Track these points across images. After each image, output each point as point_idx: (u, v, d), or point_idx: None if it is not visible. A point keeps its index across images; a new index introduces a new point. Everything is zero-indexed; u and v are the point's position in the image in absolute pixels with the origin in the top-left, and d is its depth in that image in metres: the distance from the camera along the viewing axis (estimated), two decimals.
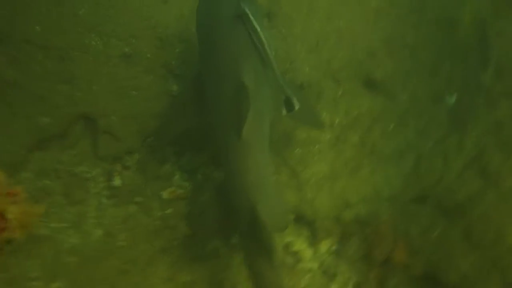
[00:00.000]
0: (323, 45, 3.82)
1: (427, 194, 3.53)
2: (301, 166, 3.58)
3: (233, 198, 2.67)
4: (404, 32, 3.96)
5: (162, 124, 3.39)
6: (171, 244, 3.29)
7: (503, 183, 3.22)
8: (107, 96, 3.40)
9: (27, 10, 3.29)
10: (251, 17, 2.63)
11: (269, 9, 3.83)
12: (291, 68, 3.73)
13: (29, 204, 2.37)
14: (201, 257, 3.28)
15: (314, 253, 3.50)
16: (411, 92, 3.85)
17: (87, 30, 3.38)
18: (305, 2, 3.89)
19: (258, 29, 2.62)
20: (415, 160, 3.68)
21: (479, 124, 3.59)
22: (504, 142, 3.40)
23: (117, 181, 3.38)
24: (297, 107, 2.68)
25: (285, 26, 3.81)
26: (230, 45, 2.73)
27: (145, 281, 3.14)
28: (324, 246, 3.51)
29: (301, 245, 3.50)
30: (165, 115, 3.38)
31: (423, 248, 3.33)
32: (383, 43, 3.88)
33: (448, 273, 3.18)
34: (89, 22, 3.40)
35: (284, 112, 2.72)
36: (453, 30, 4.03)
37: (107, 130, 3.37)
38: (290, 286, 3.32)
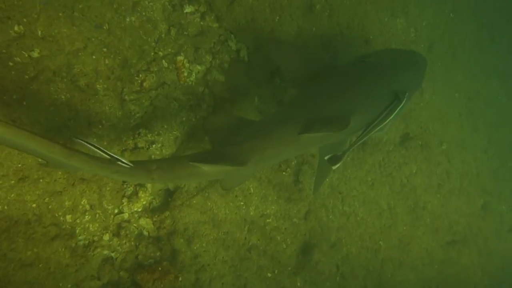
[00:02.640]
0: None
1: None
2: None
3: None
4: None
5: None
6: None
7: None
8: None
9: None
10: (401, 105, 3.14)
11: None
12: None
13: None
14: None
15: None
16: None
17: None
18: None
19: (393, 114, 3.13)
20: None
21: None
22: None
23: None
24: (333, 168, 3.10)
25: None
26: (378, 86, 3.30)
27: None
28: None
29: None
30: None
31: None
32: None
33: None
34: None
35: (325, 158, 3.13)
36: None
37: None
38: None
